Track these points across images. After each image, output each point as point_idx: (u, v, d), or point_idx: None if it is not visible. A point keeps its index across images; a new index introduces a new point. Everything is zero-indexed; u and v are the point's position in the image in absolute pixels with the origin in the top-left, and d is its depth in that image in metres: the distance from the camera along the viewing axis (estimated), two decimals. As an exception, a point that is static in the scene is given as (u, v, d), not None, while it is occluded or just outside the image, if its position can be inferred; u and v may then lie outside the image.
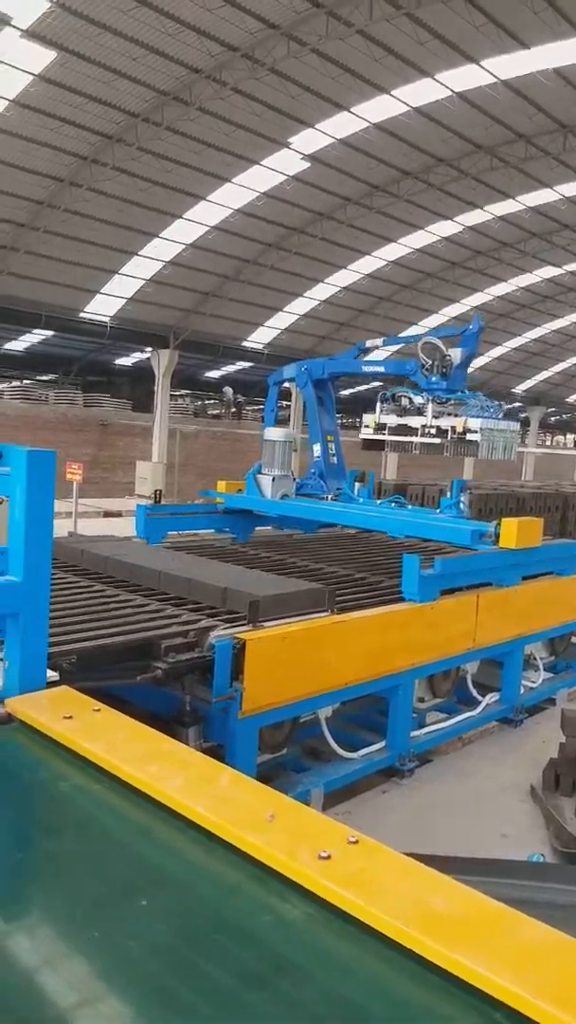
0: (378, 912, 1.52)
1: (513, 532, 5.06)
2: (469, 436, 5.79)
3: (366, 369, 7.15)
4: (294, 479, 6.83)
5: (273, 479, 6.65)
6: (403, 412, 6.56)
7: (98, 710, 2.45)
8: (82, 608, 3.99)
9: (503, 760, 5.23)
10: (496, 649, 5.52)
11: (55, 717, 2.36)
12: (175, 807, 1.89)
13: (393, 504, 6.62)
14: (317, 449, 7.22)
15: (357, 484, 7.13)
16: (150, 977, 1.38)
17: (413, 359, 6.77)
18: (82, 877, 1.71)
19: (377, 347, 7.48)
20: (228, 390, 34.15)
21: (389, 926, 1.49)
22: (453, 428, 5.91)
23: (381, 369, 7.06)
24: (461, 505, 6.00)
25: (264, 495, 6.68)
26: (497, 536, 5.11)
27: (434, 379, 6.51)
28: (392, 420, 6.56)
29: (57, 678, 2.79)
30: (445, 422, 6.15)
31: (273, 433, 6.95)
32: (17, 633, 2.62)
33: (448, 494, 6.54)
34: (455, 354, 6.61)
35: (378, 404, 6.72)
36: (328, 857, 1.68)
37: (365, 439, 6.90)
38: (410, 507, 6.44)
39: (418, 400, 6.42)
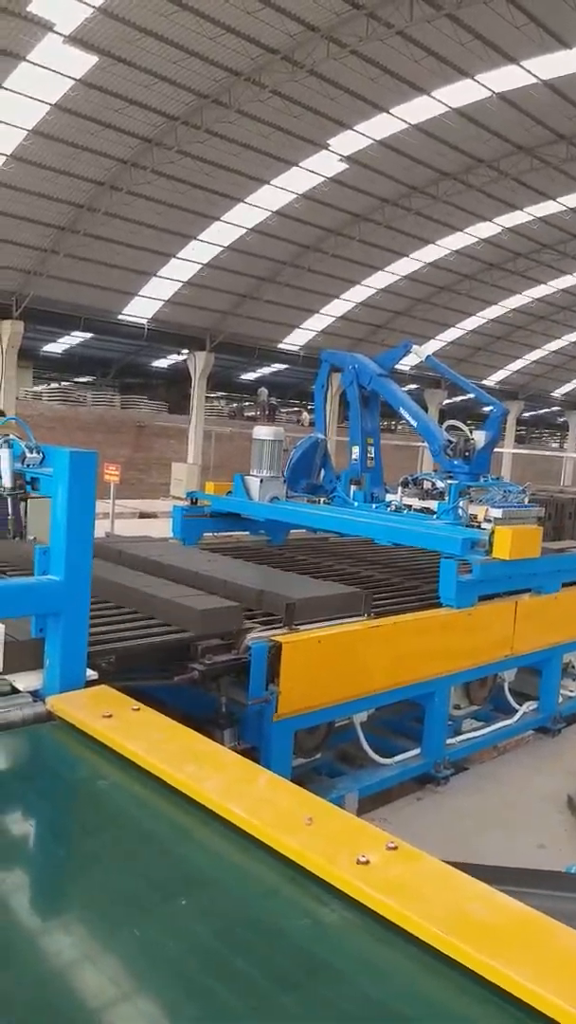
0: (417, 918, 1.51)
1: (507, 541, 4.78)
2: (484, 525, 5.58)
3: (403, 412, 6.97)
4: (285, 480, 6.58)
5: (261, 481, 6.29)
6: (425, 495, 6.39)
7: (137, 709, 2.48)
8: (120, 608, 4.02)
9: (540, 770, 5.16)
10: (534, 657, 5.44)
11: (95, 715, 2.39)
12: (213, 808, 1.90)
13: (389, 509, 6.40)
14: (356, 452, 7.10)
15: (353, 487, 6.98)
16: (188, 976, 1.39)
17: (440, 433, 6.69)
18: (122, 875, 1.73)
19: (419, 356, 7.40)
20: (263, 391, 34.29)
21: (428, 932, 1.49)
22: (473, 516, 5.75)
23: (414, 423, 6.91)
24: (459, 511, 5.80)
25: (252, 497, 6.34)
26: (491, 545, 4.89)
27: (456, 462, 6.41)
28: (415, 503, 6.41)
29: (96, 677, 2.81)
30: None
31: (262, 432, 6.65)
32: (58, 632, 2.65)
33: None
34: (479, 437, 6.52)
35: (399, 488, 6.58)
36: (367, 862, 1.67)
37: None
38: (406, 512, 6.23)
39: (440, 484, 6.28)
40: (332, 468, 7.29)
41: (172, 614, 3.71)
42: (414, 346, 7.47)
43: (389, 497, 6.62)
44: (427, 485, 6.45)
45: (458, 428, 6.74)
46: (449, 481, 6.19)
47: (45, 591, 2.65)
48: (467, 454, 6.44)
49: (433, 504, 6.22)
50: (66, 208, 19.71)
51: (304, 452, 7.02)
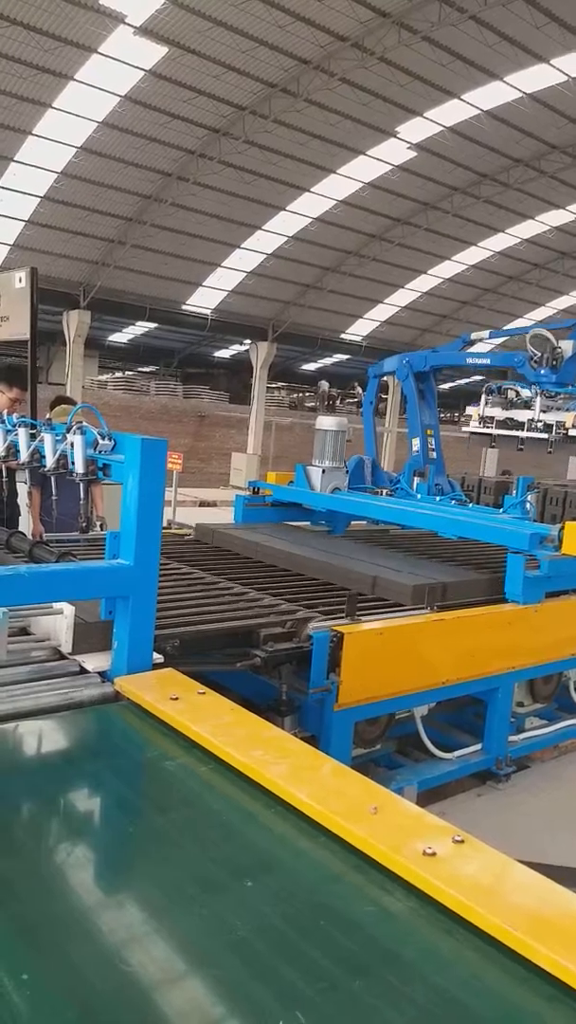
0: (484, 912, 1.50)
1: None
2: (572, 432, 5.46)
3: (470, 362, 6.86)
4: (347, 471, 6.53)
5: (323, 471, 6.21)
6: (510, 405, 6.27)
7: (203, 693, 2.51)
8: (184, 595, 4.08)
9: (604, 770, 5.05)
10: (601, 655, 5.31)
11: (162, 697, 2.43)
12: (279, 793, 1.92)
13: (453, 502, 6.29)
14: (416, 444, 7.03)
15: (416, 479, 6.87)
16: (257, 956, 1.41)
17: (521, 351, 6.53)
18: (190, 854, 1.76)
19: (483, 339, 7.26)
20: (324, 384, 34.26)
21: (495, 927, 1.48)
22: (561, 423, 5.62)
23: (486, 361, 6.79)
24: (527, 505, 5.65)
25: (313, 488, 6.27)
26: (561, 541, 4.75)
27: (543, 372, 6.26)
28: (498, 413, 6.27)
29: (162, 660, 2.86)
30: (553, 417, 5.88)
31: (325, 422, 6.60)
32: (127, 615, 2.71)
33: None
34: (566, 346, 6.33)
35: (483, 396, 6.43)
36: (433, 854, 1.67)
37: (471, 432, 6.68)
38: (471, 505, 6.11)
39: (525, 394, 6.13)
40: (384, 476, 7.18)
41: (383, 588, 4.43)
42: (473, 334, 7.32)
43: (470, 410, 6.55)
44: (512, 395, 6.31)
45: (544, 336, 6.55)
46: (535, 390, 6.07)
47: (115, 575, 2.70)
48: (554, 363, 6.27)
49: (518, 414, 6.11)
50: (133, 199, 19.97)
51: (351, 474, 6.99)
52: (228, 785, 2.00)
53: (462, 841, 1.73)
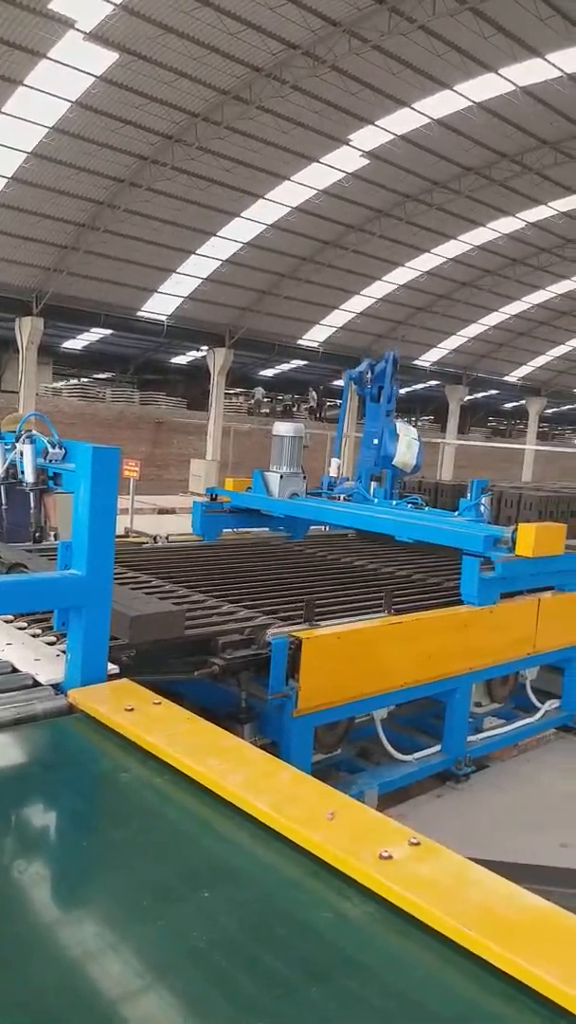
0: (440, 914, 1.50)
1: (530, 538, 4.68)
2: None
3: None
4: (304, 476, 6.54)
5: (281, 477, 6.28)
6: None
7: (158, 703, 2.48)
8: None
9: (562, 768, 5.12)
10: (556, 655, 5.40)
11: (116, 709, 2.40)
12: (236, 802, 1.90)
13: (410, 505, 6.35)
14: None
15: (373, 484, 6.93)
16: (214, 967, 1.39)
17: None
18: (146, 866, 1.73)
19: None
20: (259, 390, 34.86)
21: (452, 928, 1.48)
22: None
23: None
24: (481, 508, 5.74)
25: (271, 493, 6.33)
26: (514, 542, 4.85)
27: None
28: None
29: (117, 671, 2.82)
30: None
31: (282, 428, 6.55)
32: (80, 626, 2.66)
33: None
34: None
35: None
36: (389, 857, 1.67)
37: None
38: (427, 509, 6.20)
39: None
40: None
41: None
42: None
43: None
44: None
45: None
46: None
47: (67, 585, 2.65)
48: None
49: None
50: (86, 205, 19.81)
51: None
52: (184, 795, 1.98)
53: (418, 843, 1.74)
